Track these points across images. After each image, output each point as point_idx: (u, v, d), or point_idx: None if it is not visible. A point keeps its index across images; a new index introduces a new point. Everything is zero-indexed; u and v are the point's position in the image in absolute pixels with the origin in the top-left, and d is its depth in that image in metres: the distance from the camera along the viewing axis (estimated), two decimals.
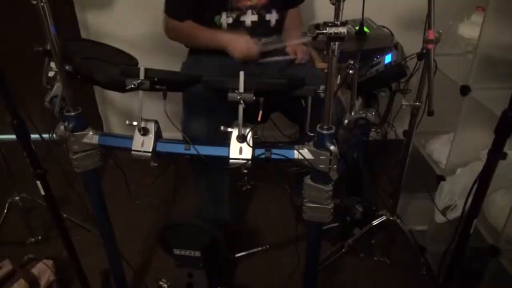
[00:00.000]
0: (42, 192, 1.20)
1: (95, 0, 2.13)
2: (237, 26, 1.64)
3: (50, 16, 0.93)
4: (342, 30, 0.80)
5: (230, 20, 1.63)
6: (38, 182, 1.18)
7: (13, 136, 1.21)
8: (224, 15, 1.62)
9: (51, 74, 1.16)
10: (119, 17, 2.16)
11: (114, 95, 2.42)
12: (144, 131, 1.01)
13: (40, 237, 1.78)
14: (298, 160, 0.99)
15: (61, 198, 1.88)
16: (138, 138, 1.02)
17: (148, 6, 2.06)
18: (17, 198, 1.74)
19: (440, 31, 1.10)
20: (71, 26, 2.15)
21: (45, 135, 1.13)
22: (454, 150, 1.45)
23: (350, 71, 1.26)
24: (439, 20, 1.11)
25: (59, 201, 1.33)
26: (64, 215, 1.59)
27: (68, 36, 2.14)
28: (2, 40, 2.13)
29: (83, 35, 2.19)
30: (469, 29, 1.52)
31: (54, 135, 1.10)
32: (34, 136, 1.27)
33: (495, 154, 0.95)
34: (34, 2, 0.94)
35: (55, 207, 1.25)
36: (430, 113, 1.15)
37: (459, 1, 1.55)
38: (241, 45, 1.54)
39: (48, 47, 1.05)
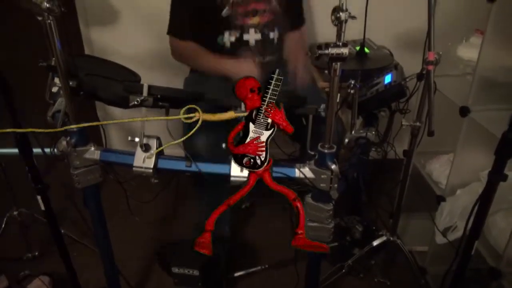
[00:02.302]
0: (43, 208, 1.20)
1: (99, 17, 2.16)
2: (240, 45, 1.65)
3: (56, 32, 0.94)
4: (344, 50, 0.82)
5: (233, 39, 1.65)
6: (39, 197, 1.18)
7: (15, 150, 1.22)
8: (226, 34, 1.63)
9: (54, 89, 1.17)
10: (122, 34, 2.19)
11: (116, 111, 2.43)
12: (146, 148, 1.02)
13: (37, 253, 1.76)
14: (299, 178, 0.99)
15: (60, 212, 1.87)
16: (139, 154, 1.02)
17: (151, 24, 2.10)
18: (15, 213, 1.73)
19: (440, 53, 1.12)
20: (76, 42, 2.18)
21: (47, 150, 1.13)
22: (454, 170, 1.45)
23: (351, 91, 1.27)
24: (438, 41, 1.13)
25: (58, 215, 1.33)
26: (62, 231, 1.58)
27: (72, 52, 2.17)
28: (6, 55, 2.15)
29: (87, 51, 2.22)
30: (468, 51, 1.54)
31: (55, 150, 1.10)
32: (36, 150, 1.27)
33: (496, 175, 0.95)
34: (40, 18, 0.96)
35: (55, 223, 1.25)
36: (430, 134, 1.15)
37: (458, 23, 1.58)
38: (243, 74, 1.52)
39: (53, 63, 1.06)
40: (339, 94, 1.08)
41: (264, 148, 0.95)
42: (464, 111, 1.32)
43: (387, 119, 1.42)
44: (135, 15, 2.15)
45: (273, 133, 0.96)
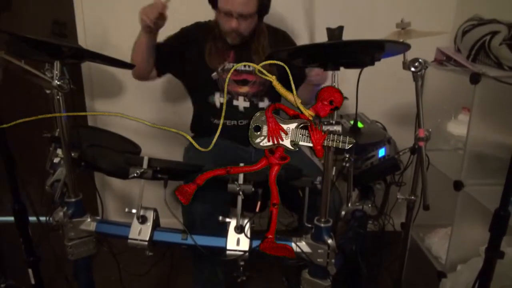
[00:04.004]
0: (33, 281, 1.16)
1: (105, 89, 2.26)
2: (230, 108, 1.71)
3: (63, 105, 0.98)
4: (337, 128, 0.86)
5: (223, 101, 1.72)
6: (30, 271, 1.14)
7: (8, 218, 1.21)
8: (217, 95, 1.70)
9: (56, 159, 1.20)
10: (126, 105, 2.27)
11: (115, 181, 2.44)
12: (143, 219, 1.02)
13: None
14: (296, 252, 0.98)
15: (48, 284, 1.80)
16: (136, 226, 1.02)
17: (153, 96, 2.19)
18: (3, 285, 1.66)
19: (430, 130, 1.16)
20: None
21: (42, 218, 1.13)
22: (453, 245, 1.43)
23: (346, 164, 1.30)
24: (428, 118, 1.18)
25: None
26: None
27: (76, 123, 2.23)
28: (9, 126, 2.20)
29: (91, 122, 2.28)
30: (457, 127, 1.60)
31: (51, 220, 1.09)
32: (31, 218, 1.26)
33: (493, 253, 0.94)
34: (48, 92, 1.01)
35: None
36: (426, 208, 1.16)
37: (446, 101, 1.65)
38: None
39: (57, 134, 1.10)
40: (334, 167, 1.11)
41: (280, 139, 0.88)
42: (458, 186, 1.34)
43: (383, 191, 1.43)
44: (139, 88, 2.24)
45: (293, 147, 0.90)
